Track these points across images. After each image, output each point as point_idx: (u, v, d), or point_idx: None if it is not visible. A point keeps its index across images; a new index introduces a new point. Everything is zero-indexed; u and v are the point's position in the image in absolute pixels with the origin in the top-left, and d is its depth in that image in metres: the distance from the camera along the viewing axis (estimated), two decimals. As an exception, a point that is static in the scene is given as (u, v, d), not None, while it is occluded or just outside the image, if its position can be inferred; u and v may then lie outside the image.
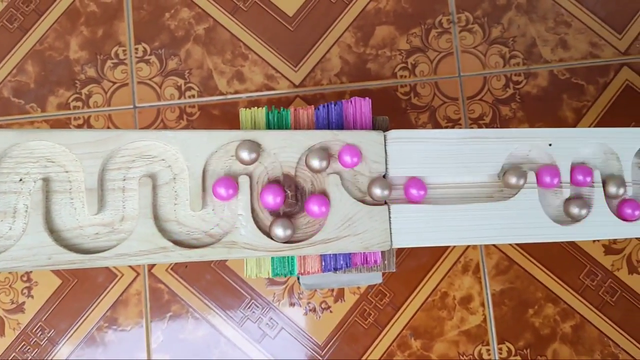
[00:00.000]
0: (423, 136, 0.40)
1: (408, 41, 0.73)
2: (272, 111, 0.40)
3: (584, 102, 0.72)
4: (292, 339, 0.69)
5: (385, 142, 0.39)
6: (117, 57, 0.73)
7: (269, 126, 0.40)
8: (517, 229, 0.39)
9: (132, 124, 0.72)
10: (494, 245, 0.70)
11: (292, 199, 0.37)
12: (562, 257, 0.70)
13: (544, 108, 0.72)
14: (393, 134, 0.39)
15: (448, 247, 0.70)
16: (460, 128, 0.71)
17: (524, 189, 0.40)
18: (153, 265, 0.70)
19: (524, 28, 0.73)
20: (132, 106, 0.72)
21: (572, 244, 0.70)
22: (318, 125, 0.41)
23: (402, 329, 0.69)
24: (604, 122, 0.72)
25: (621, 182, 0.41)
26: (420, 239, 0.38)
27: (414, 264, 0.70)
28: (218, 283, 0.69)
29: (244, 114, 0.40)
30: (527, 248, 0.70)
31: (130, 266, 0.70)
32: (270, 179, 0.37)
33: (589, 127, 0.71)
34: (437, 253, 0.70)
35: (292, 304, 0.69)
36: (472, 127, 0.72)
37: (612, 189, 0.41)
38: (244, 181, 0.36)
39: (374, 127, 0.42)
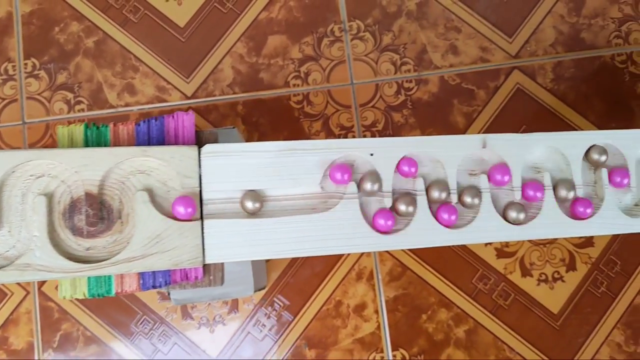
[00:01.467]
0: (239, 150, 0.39)
1: (300, 50, 0.73)
2: (91, 128, 0.40)
3: (475, 107, 0.72)
4: (185, 353, 0.68)
5: (199, 157, 0.39)
6: (7, 73, 0.72)
7: (87, 143, 0.39)
8: (336, 240, 0.39)
9: (21, 141, 0.71)
10: (387, 252, 0.70)
11: (94, 217, 0.36)
12: (455, 262, 0.70)
13: (435, 114, 0.72)
14: (207, 148, 0.39)
15: (342, 255, 0.70)
16: (354, 135, 0.71)
17: (343, 200, 0.40)
18: (43, 283, 0.69)
19: (415, 35, 0.73)
20: (21, 122, 0.71)
21: (465, 248, 0.70)
22: (138, 141, 0.40)
23: (297, 339, 0.68)
24: (494, 125, 0.72)
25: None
26: (235, 253, 0.38)
27: (308, 273, 0.70)
28: (109, 300, 0.68)
29: (61, 131, 0.39)
30: (420, 254, 0.70)
31: (20, 284, 0.69)
32: (73, 198, 0.37)
33: (480, 131, 0.72)
34: (332, 261, 0.70)
35: (184, 318, 0.68)
36: (365, 135, 0.72)
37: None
38: (39, 202, 0.35)
39: (200, 141, 0.41)
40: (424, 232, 0.41)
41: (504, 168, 0.43)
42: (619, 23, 0.74)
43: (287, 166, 0.40)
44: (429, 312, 0.69)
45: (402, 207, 0.41)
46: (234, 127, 0.58)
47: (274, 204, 0.40)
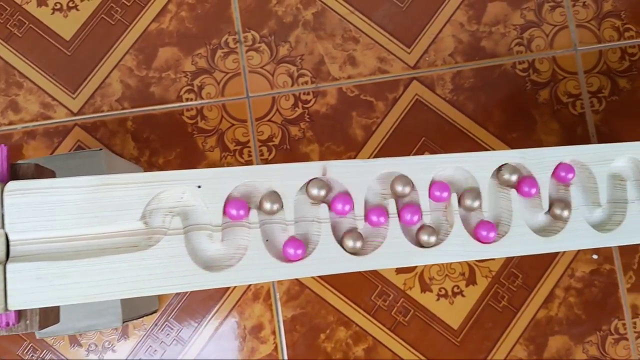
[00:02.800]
0: (47, 186, 0.37)
1: (193, 62, 0.70)
2: None
3: (374, 119, 0.71)
4: (72, 382, 0.65)
5: (2, 196, 0.36)
6: None
7: None
8: (156, 280, 0.37)
9: None
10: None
11: None
12: (353, 279, 0.68)
13: (334, 127, 0.70)
14: (11, 186, 0.36)
15: (238, 275, 0.68)
16: (250, 150, 0.69)
17: (167, 236, 0.38)
18: None
19: (312, 46, 0.71)
20: None
21: (364, 264, 0.68)
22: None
23: (190, 364, 0.66)
24: (393, 138, 0.70)
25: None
26: (40, 299, 0.36)
27: (202, 294, 0.67)
28: (-10, 328, 0.65)
29: None
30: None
31: None
32: None
33: (379, 144, 0.70)
34: (226, 282, 0.68)
35: (72, 345, 0.66)
36: (261, 149, 0.69)
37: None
38: None
39: (16, 175, 0.38)
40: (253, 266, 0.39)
41: (345, 197, 0.41)
42: (521, 30, 0.72)
43: (101, 202, 0.37)
44: (327, 332, 0.67)
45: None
46: (101, 149, 0.55)
47: (87, 243, 0.37)
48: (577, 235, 0.44)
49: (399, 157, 0.42)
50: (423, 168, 0.42)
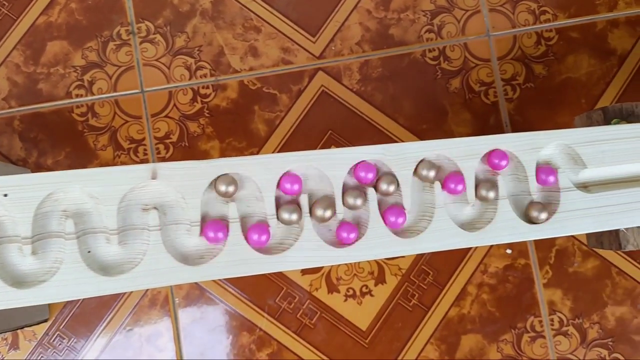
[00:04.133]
0: None
1: (83, 56, 0.66)
2: None
3: (277, 113, 0.67)
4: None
5: None
6: None
7: None
8: None
9: None
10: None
11: None
12: (257, 281, 0.65)
13: (235, 122, 0.67)
14: None
15: (134, 280, 0.64)
16: (146, 148, 0.65)
17: None
18: None
19: (211, 36, 0.67)
20: None
21: (267, 266, 0.65)
22: None
23: (84, 375, 0.63)
24: (299, 132, 0.67)
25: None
26: None
27: (95, 302, 0.64)
28: None
29: None
30: (219, 274, 0.64)
31: None
32: None
33: (283, 139, 0.67)
34: (122, 288, 0.64)
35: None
36: (157, 147, 0.66)
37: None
38: None
39: None
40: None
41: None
42: (431, 16, 0.69)
43: None
44: (230, 337, 0.64)
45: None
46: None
47: None
48: (441, 236, 0.41)
49: (241, 157, 0.39)
50: (271, 168, 0.39)
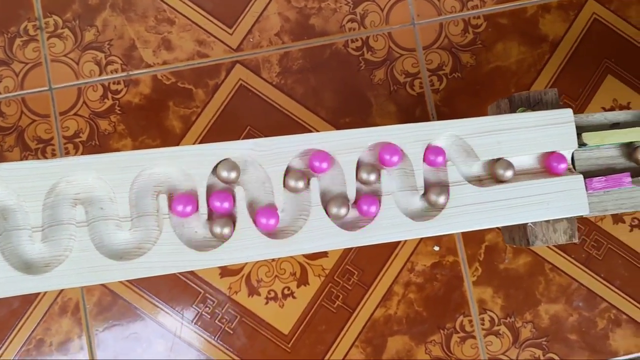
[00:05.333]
0: None
1: (-12, 54, 0.63)
2: None
3: (193, 109, 0.64)
4: None
5: None
6: None
7: None
8: None
9: None
10: (96, 279, 0.61)
11: None
12: (173, 286, 0.62)
13: (149, 118, 0.64)
14: None
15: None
16: (54, 148, 0.62)
17: None
18: None
19: (122, 29, 0.64)
20: None
21: (183, 269, 0.62)
22: None
23: (-9, 387, 0.60)
24: (216, 128, 0.64)
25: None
26: None
27: (4, 310, 0.61)
28: None
29: None
30: (133, 280, 0.62)
31: None
32: None
33: (200, 135, 0.64)
34: (30, 298, 0.61)
35: None
36: (66, 147, 0.63)
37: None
38: None
39: None
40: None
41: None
42: (353, 5, 0.66)
43: None
44: (144, 345, 0.61)
45: None
46: None
47: None
48: (318, 235, 0.38)
49: (94, 155, 0.36)
50: (125, 166, 0.36)
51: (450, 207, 0.40)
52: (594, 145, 0.44)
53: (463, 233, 0.64)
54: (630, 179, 0.44)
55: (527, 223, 0.45)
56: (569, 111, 0.43)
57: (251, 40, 0.65)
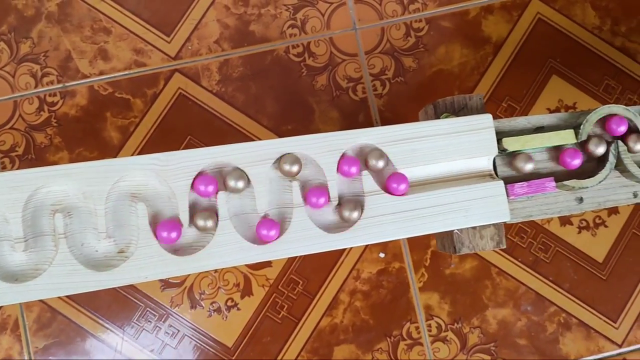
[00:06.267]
0: None
1: None
2: None
3: (131, 119, 0.63)
4: None
5: None
6: None
7: None
8: None
9: None
10: (34, 295, 0.60)
11: None
12: (112, 300, 0.61)
13: (86, 130, 0.63)
14: None
15: (-19, 304, 0.60)
16: (-10, 164, 0.61)
17: None
18: None
19: (57, 40, 0.63)
20: None
21: (124, 283, 0.61)
22: None
23: None
24: (155, 138, 0.63)
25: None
26: None
27: (-60, 330, 0.60)
28: None
29: None
30: (71, 296, 0.60)
31: None
32: None
33: (139, 146, 0.63)
34: (-33, 314, 0.60)
35: None
36: (2, 162, 0.62)
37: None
38: None
39: None
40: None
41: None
42: (294, 10, 0.65)
43: None
44: (85, 361, 0.60)
45: None
46: None
47: None
48: (224, 251, 0.37)
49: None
50: (15, 186, 0.35)
51: (366, 218, 0.40)
52: (515, 150, 0.43)
53: (409, 238, 0.63)
54: (554, 183, 0.43)
55: (454, 230, 0.44)
56: (489, 116, 0.43)
57: (190, 48, 0.64)
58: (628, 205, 0.63)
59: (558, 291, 0.63)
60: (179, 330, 0.61)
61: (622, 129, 0.44)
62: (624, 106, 0.44)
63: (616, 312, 0.63)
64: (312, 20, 0.65)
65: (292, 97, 0.64)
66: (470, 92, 0.65)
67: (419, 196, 0.41)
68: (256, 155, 0.38)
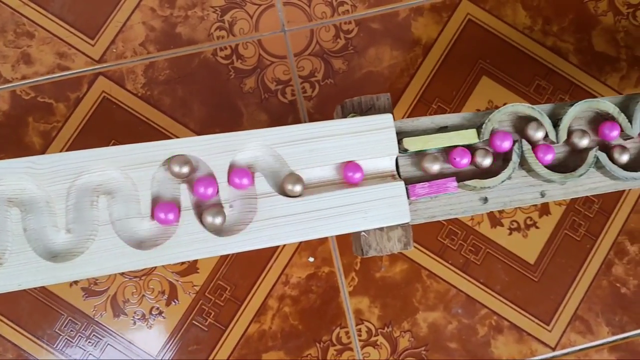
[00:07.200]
0: None
1: None
2: None
3: (54, 124, 0.62)
4: None
5: None
6: None
7: None
8: None
9: None
10: (-49, 306, 0.59)
11: None
12: (33, 309, 0.59)
13: (6, 136, 0.61)
14: None
15: None
16: None
17: None
18: None
19: (-23, 44, 0.62)
20: None
21: (44, 290, 0.60)
22: None
23: None
24: (79, 143, 0.62)
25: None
26: None
27: None
28: None
29: None
30: (-9, 304, 0.59)
31: None
32: None
33: (62, 150, 0.61)
34: None
35: None
36: None
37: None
38: None
39: None
40: None
41: None
42: (221, 12, 0.64)
43: None
44: (4, 372, 0.58)
45: None
46: None
47: None
48: (103, 258, 0.36)
49: None
50: None
51: (258, 221, 0.39)
52: (417, 150, 0.43)
53: (339, 241, 0.62)
54: (456, 183, 0.42)
55: (361, 232, 0.43)
56: (389, 116, 0.42)
57: (114, 51, 0.63)
58: (534, 205, 0.63)
59: (489, 293, 0.62)
60: (102, 339, 0.60)
61: (540, 135, 0.44)
62: (529, 105, 0.44)
63: (549, 314, 0.62)
64: (240, 22, 0.64)
65: (220, 100, 0.63)
66: (400, 94, 0.64)
67: (315, 197, 0.40)
68: (140, 157, 0.37)
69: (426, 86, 0.64)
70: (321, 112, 0.64)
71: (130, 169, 0.37)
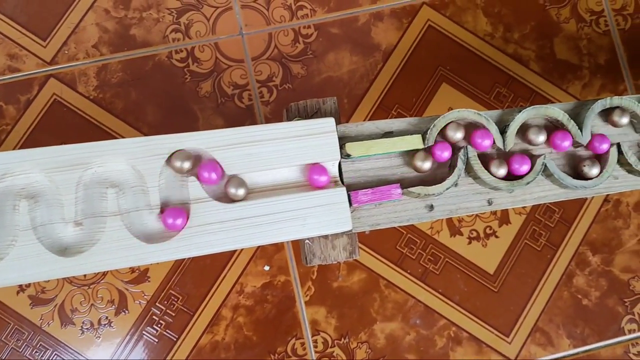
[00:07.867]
0: None
1: None
2: None
3: (3, 126, 0.60)
4: None
5: None
6: None
7: None
8: None
9: None
10: None
11: None
12: (-24, 318, 0.57)
13: (-48, 138, 0.59)
14: None
15: None
16: None
17: None
18: None
19: None
20: None
21: (-12, 300, 0.58)
22: None
23: None
24: (27, 146, 0.60)
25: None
26: None
27: None
28: None
29: None
30: None
31: None
32: None
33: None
34: None
35: None
36: None
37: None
38: None
39: None
40: None
41: None
42: (177, 14, 0.63)
43: None
44: (-58, 384, 0.56)
45: None
46: None
47: None
48: (23, 265, 0.34)
49: None
50: None
51: (190, 227, 0.37)
52: (360, 156, 0.41)
53: (295, 249, 0.61)
54: (400, 190, 0.41)
55: (305, 240, 0.42)
56: (331, 120, 0.41)
57: (66, 52, 0.62)
58: (493, 213, 0.62)
59: (448, 304, 0.61)
60: (49, 349, 0.57)
61: (487, 142, 0.42)
62: (476, 111, 0.43)
63: (508, 325, 0.61)
64: (197, 24, 0.63)
65: (174, 104, 0.62)
66: (360, 100, 0.63)
67: (251, 204, 0.38)
68: (65, 160, 0.36)
69: (386, 92, 0.63)
70: (279, 117, 0.62)
71: (55, 172, 0.35)
